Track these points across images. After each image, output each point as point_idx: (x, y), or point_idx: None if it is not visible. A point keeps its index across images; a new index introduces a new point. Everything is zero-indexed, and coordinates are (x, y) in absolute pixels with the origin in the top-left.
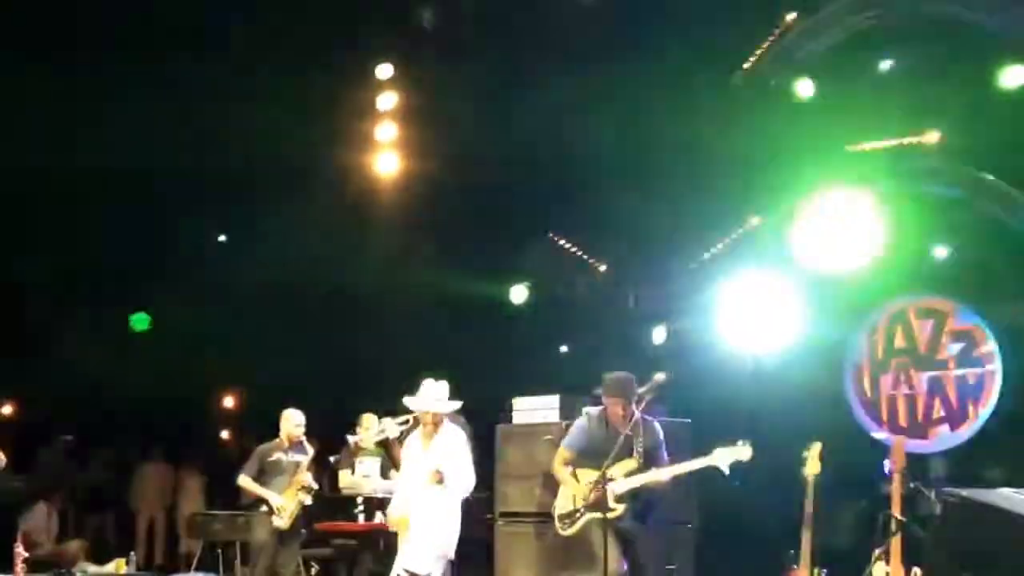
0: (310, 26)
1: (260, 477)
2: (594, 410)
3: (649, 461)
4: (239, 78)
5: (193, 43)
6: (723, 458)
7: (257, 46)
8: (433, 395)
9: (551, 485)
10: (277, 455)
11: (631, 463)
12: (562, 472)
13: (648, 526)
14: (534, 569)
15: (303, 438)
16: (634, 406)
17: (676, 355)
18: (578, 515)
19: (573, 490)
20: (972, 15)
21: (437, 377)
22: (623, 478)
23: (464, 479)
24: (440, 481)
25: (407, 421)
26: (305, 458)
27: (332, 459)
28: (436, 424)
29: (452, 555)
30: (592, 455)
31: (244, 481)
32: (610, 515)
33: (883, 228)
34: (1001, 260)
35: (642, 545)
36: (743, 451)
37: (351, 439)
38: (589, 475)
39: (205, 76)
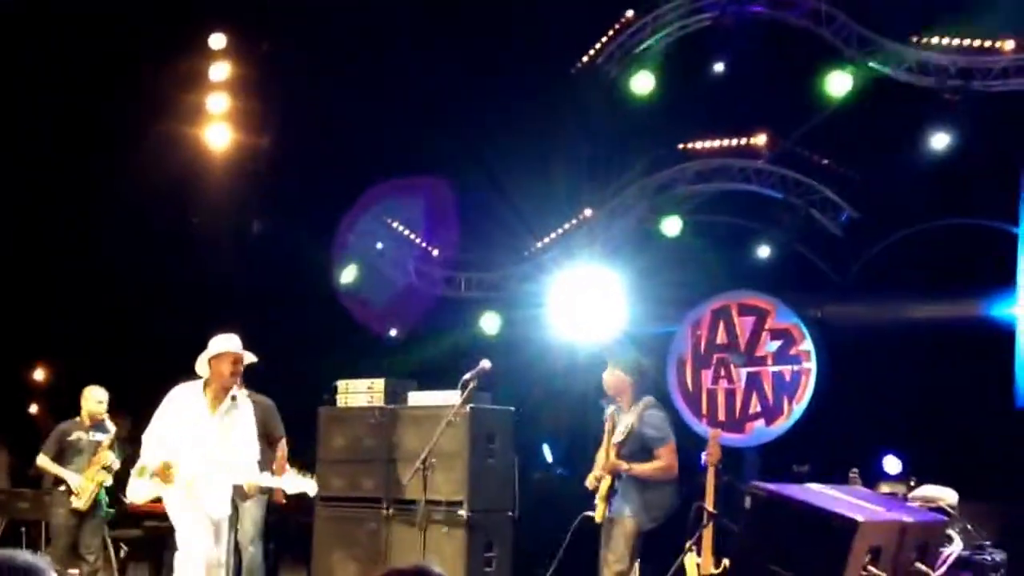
0: None
1: (60, 457)
2: None
3: (635, 443)
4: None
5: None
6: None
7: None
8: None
9: (373, 471)
10: (77, 434)
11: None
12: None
13: (618, 512)
14: (354, 555)
15: (105, 416)
16: (626, 391)
17: (506, 343)
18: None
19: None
20: (801, 22)
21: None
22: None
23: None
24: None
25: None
26: (107, 437)
27: None
28: (229, 387)
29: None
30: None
31: (43, 461)
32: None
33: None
34: (819, 260)
35: (608, 530)
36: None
37: None
38: None
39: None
